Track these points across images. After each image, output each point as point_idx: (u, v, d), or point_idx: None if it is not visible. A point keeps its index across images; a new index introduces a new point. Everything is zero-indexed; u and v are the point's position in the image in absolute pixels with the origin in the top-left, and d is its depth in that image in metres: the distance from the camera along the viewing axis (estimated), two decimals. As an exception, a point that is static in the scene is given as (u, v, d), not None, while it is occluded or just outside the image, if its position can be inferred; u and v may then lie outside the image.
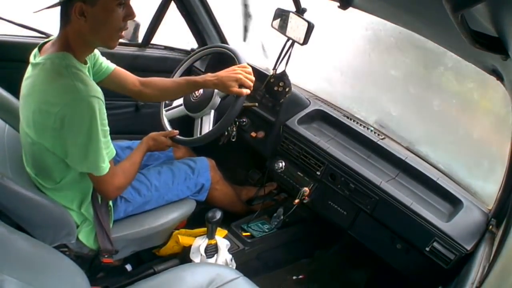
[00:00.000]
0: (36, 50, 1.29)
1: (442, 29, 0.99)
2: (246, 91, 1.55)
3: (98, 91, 1.20)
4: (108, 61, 1.53)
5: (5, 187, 1.08)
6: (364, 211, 1.60)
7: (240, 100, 1.63)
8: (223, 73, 1.55)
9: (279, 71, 1.82)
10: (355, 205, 1.62)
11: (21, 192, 1.12)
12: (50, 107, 1.14)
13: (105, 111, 1.22)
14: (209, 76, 1.56)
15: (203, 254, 1.54)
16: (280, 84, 1.80)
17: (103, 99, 1.21)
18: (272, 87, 1.82)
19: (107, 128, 1.25)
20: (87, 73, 1.27)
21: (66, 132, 1.16)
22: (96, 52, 1.44)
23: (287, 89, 1.80)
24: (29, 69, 1.26)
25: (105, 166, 1.27)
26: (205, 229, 1.63)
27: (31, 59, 1.27)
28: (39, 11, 1.18)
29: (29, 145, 1.26)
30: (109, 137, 1.28)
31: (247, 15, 2.37)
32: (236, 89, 1.53)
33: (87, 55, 1.28)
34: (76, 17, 1.14)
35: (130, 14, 1.21)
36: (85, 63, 1.28)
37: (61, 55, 1.19)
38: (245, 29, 2.42)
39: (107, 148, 1.28)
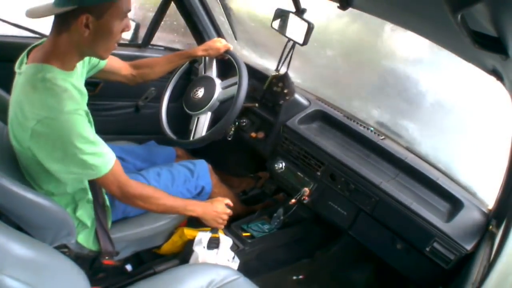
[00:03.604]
0: (23, 55, 1.25)
1: (442, 29, 0.99)
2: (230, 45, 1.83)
3: (74, 106, 1.14)
4: None
5: (4, 188, 1.08)
6: (364, 211, 1.60)
7: (239, 100, 1.65)
8: (209, 42, 1.83)
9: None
10: (355, 205, 1.62)
11: (19, 193, 1.11)
12: (26, 120, 1.13)
13: (85, 122, 1.17)
14: (198, 47, 1.82)
15: (205, 246, 1.55)
16: (279, 84, 1.80)
17: (82, 112, 1.16)
18: (272, 87, 1.82)
19: (93, 137, 1.19)
20: (74, 80, 1.22)
21: (42, 146, 1.15)
22: None
23: (285, 91, 1.80)
24: (15, 77, 1.24)
25: (95, 173, 1.21)
26: (209, 228, 1.63)
27: (16, 66, 1.24)
28: (38, 17, 1.14)
29: (15, 153, 1.27)
30: (101, 144, 1.22)
31: (227, 10, 2.33)
32: (222, 48, 1.79)
33: (76, 63, 1.24)
34: (79, 28, 1.11)
35: (127, 26, 1.21)
36: (72, 69, 1.23)
37: (40, 67, 1.15)
38: (231, 26, 2.39)
39: (100, 156, 1.20)
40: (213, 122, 1.76)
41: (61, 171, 1.21)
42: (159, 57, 1.78)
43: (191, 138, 1.75)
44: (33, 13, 1.15)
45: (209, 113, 1.77)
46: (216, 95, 1.75)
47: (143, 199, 1.36)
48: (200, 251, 1.55)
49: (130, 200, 1.35)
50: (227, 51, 1.80)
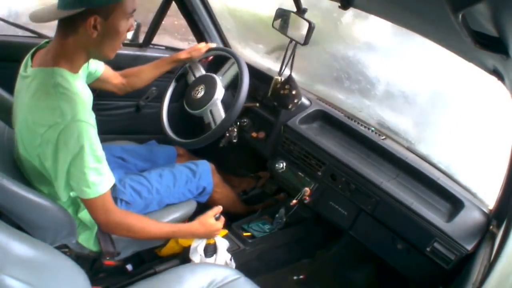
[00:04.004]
0: (28, 58, 1.24)
1: (442, 29, 0.99)
2: (212, 44, 1.87)
3: (86, 115, 1.13)
4: (95, 61, 1.51)
5: (4, 188, 1.08)
6: (365, 211, 1.60)
7: (240, 100, 1.64)
8: (192, 46, 1.85)
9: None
10: (355, 205, 1.62)
11: (20, 193, 1.11)
12: (36, 127, 1.12)
13: (95, 135, 1.16)
14: (181, 51, 1.82)
15: (202, 254, 1.54)
16: (286, 87, 1.77)
17: (93, 122, 1.16)
18: (279, 91, 1.78)
19: (101, 154, 1.18)
20: (79, 84, 1.22)
21: (50, 154, 1.13)
22: None
23: (294, 92, 1.76)
24: (19, 79, 1.23)
25: (90, 191, 1.18)
26: None
27: (21, 69, 1.23)
28: (44, 21, 1.13)
29: (20, 157, 1.26)
30: (104, 164, 1.20)
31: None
32: (203, 48, 1.82)
33: (82, 65, 1.24)
34: (88, 29, 1.11)
35: (132, 26, 1.22)
36: (78, 71, 1.23)
37: (51, 71, 1.14)
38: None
39: (100, 175, 1.18)
40: (226, 109, 1.74)
41: (61, 185, 1.19)
42: (144, 65, 1.78)
43: (213, 127, 1.72)
44: (38, 17, 1.14)
45: (219, 102, 1.74)
46: (219, 84, 1.74)
47: (127, 228, 1.32)
48: (198, 261, 1.53)
49: (114, 229, 1.32)
50: (210, 49, 1.83)
